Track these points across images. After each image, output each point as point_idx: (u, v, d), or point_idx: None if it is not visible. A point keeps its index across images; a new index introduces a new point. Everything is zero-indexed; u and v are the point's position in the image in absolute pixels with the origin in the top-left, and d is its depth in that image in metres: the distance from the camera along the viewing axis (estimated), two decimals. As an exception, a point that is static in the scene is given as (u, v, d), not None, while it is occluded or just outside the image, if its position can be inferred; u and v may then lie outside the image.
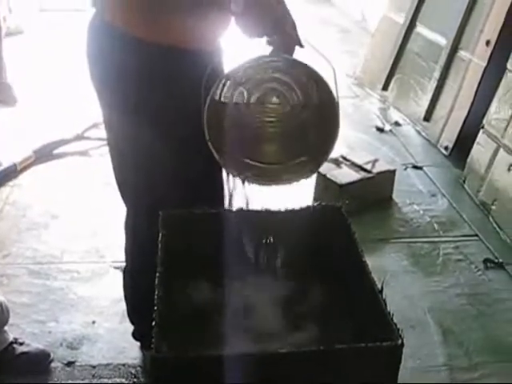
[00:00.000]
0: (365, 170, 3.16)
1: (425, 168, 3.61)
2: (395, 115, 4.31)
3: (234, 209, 1.56)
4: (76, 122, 3.78)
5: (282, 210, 1.55)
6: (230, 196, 1.60)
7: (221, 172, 1.72)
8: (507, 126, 3.13)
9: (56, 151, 3.59)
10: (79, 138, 3.71)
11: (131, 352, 2.20)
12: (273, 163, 1.50)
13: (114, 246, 2.64)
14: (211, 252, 1.47)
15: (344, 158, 3.21)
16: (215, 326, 1.36)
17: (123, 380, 2.11)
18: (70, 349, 2.22)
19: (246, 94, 1.44)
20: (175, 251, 1.41)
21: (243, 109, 1.45)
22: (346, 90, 4.49)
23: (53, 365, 2.14)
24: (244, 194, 1.53)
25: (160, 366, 1.14)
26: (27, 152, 3.45)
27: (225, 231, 1.48)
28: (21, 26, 5.59)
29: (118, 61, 1.59)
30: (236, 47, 1.61)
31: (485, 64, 3.56)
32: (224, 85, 1.40)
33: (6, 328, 2.07)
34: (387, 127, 4.14)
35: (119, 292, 2.11)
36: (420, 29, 4.36)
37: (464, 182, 3.42)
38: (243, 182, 1.47)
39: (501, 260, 2.78)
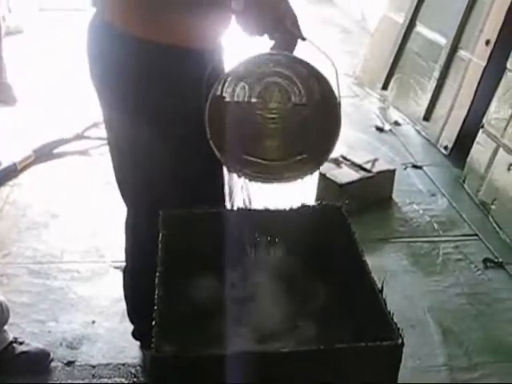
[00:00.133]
0: (364, 169, 3.16)
1: (424, 167, 3.61)
2: (395, 115, 4.31)
3: (235, 208, 1.56)
4: (76, 121, 3.78)
5: (282, 209, 1.55)
6: (231, 195, 1.60)
7: (221, 171, 1.72)
8: (507, 126, 3.13)
9: (56, 151, 3.59)
10: (79, 137, 3.71)
11: (131, 352, 2.20)
12: (274, 160, 1.49)
13: (114, 245, 2.64)
14: (211, 252, 1.47)
15: (344, 158, 3.21)
16: (215, 325, 1.36)
17: (123, 380, 2.11)
18: (70, 348, 2.22)
19: (247, 88, 1.43)
20: (175, 251, 1.41)
21: (245, 105, 1.45)
22: (345, 90, 4.49)
23: (53, 364, 2.14)
24: (246, 193, 1.53)
25: (160, 365, 1.14)
26: (27, 151, 3.45)
27: (225, 231, 1.48)
28: (20, 25, 5.58)
29: (118, 60, 1.59)
30: (237, 46, 1.61)
31: (484, 63, 3.56)
32: (225, 82, 1.39)
33: (5, 327, 2.07)
34: (387, 127, 4.14)
35: (119, 292, 2.11)
36: (420, 28, 4.36)
37: (464, 181, 3.42)
38: (244, 180, 1.47)
39: (500, 259, 2.79)
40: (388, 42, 4.60)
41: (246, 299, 1.44)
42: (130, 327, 2.14)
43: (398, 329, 1.17)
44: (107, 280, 2.58)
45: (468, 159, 3.41)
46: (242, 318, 1.39)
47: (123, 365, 2.16)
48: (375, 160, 3.25)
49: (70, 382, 2.09)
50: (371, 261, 1.39)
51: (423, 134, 4.01)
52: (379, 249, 2.87)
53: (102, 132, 1.94)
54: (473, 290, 2.61)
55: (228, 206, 1.82)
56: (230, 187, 1.83)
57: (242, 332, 1.35)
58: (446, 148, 3.73)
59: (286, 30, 1.37)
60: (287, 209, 1.56)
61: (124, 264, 2.05)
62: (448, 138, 3.75)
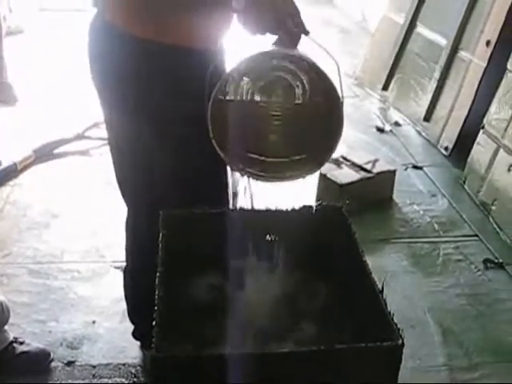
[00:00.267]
0: (365, 170, 3.16)
1: (425, 168, 3.61)
2: (395, 115, 4.31)
3: (235, 208, 1.56)
4: (76, 121, 3.78)
5: (283, 209, 1.55)
6: (234, 195, 1.60)
7: (224, 171, 1.72)
8: (507, 127, 3.13)
9: (56, 151, 3.59)
10: (79, 137, 3.71)
11: (131, 352, 2.20)
12: (276, 157, 1.49)
13: (115, 245, 2.64)
14: (212, 252, 1.47)
15: (344, 158, 3.21)
16: (215, 325, 1.36)
17: (123, 380, 2.11)
18: (70, 348, 2.22)
19: (250, 84, 1.43)
20: (176, 251, 1.41)
21: (248, 102, 1.45)
22: (346, 90, 4.41)
23: (53, 364, 2.14)
24: (248, 193, 1.53)
25: (160, 365, 1.14)
26: (27, 151, 3.45)
27: (225, 231, 1.48)
28: (21, 25, 5.59)
29: (118, 60, 1.59)
30: (238, 45, 1.60)
31: (485, 64, 3.56)
32: (227, 80, 1.39)
33: (6, 327, 2.07)
34: (387, 127, 4.14)
35: (119, 292, 2.12)
36: (420, 29, 4.36)
37: (464, 182, 3.42)
38: (248, 181, 1.47)
39: (501, 260, 2.79)
40: (388, 43, 4.60)
41: (246, 299, 1.44)
42: (131, 327, 2.14)
43: (398, 329, 1.17)
44: (107, 280, 2.58)
45: (468, 160, 3.41)
46: (242, 319, 1.39)
47: (123, 365, 2.16)
48: (375, 160, 3.25)
49: (70, 381, 2.09)
50: (371, 261, 1.39)
51: (424, 134, 4.01)
52: (379, 249, 2.87)
53: (103, 132, 1.94)
54: (473, 290, 2.61)
55: (231, 206, 1.82)
56: (233, 187, 1.83)
57: (242, 332, 1.35)
58: (446, 149, 3.73)
59: (288, 28, 1.37)
60: (288, 209, 1.56)
61: (124, 264, 2.05)
62: (448, 138, 3.75)
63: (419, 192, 3.37)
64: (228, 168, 1.68)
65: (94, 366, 2.15)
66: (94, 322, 2.35)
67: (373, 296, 1.27)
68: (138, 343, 2.17)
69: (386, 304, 1.23)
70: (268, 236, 1.55)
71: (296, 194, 1.97)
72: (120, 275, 2.11)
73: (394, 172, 3.26)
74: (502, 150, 3.15)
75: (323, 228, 1.54)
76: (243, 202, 1.60)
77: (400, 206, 3.22)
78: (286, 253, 1.52)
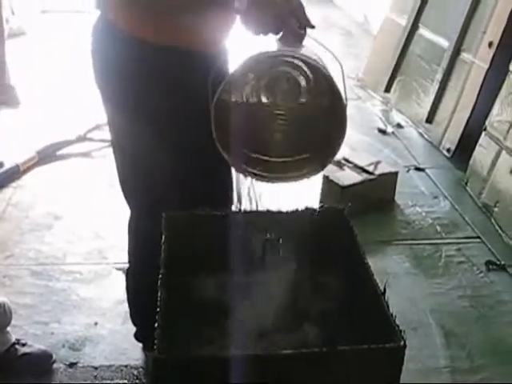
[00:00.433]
0: (367, 171, 3.16)
1: (427, 170, 3.61)
2: (397, 117, 4.31)
3: (237, 210, 1.56)
4: (79, 123, 3.79)
5: (285, 211, 1.55)
6: (239, 197, 1.60)
7: (226, 172, 1.72)
8: (509, 128, 3.13)
9: (59, 152, 3.60)
10: (82, 139, 3.72)
11: (133, 353, 2.20)
12: (279, 156, 1.49)
13: (117, 247, 2.65)
14: (213, 253, 1.47)
15: (346, 160, 3.21)
16: (217, 327, 1.36)
17: (125, 381, 2.11)
18: (73, 350, 2.22)
19: (254, 81, 1.42)
20: (178, 253, 1.41)
21: (252, 102, 1.44)
22: (348, 92, 4.43)
23: (55, 366, 2.14)
24: (253, 195, 1.53)
25: (162, 367, 1.14)
26: (30, 153, 3.46)
27: (227, 233, 1.48)
28: (23, 27, 5.60)
29: (119, 60, 1.60)
30: (241, 46, 1.60)
31: (487, 66, 3.56)
32: (231, 81, 1.38)
33: (8, 329, 2.08)
34: (389, 129, 4.15)
35: (122, 293, 2.12)
36: (422, 31, 4.36)
37: (466, 184, 3.41)
38: (251, 182, 1.47)
39: (503, 262, 2.78)
40: (390, 45, 4.60)
41: (248, 301, 1.44)
42: (133, 329, 2.14)
43: (400, 331, 1.17)
44: (110, 282, 2.58)
45: (470, 162, 3.41)
46: (244, 320, 1.39)
47: (125, 366, 2.16)
48: (378, 162, 3.25)
49: (72, 383, 2.09)
50: (373, 263, 1.39)
51: (426, 136, 4.01)
52: (381, 251, 2.87)
53: (105, 134, 1.95)
54: (475, 292, 2.61)
55: (235, 207, 1.81)
56: (237, 188, 1.82)
57: (243, 334, 1.35)
58: (448, 150, 3.73)
59: (291, 27, 1.36)
60: (290, 211, 1.55)
61: (127, 266, 2.05)
62: (450, 140, 3.75)
63: (421, 194, 3.37)
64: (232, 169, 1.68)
65: (96, 368, 2.15)
66: (96, 323, 2.35)
67: (375, 298, 1.27)
68: (140, 345, 2.17)
69: (388, 306, 1.23)
70: (270, 238, 1.55)
71: (299, 195, 1.97)
72: (122, 277, 2.11)
73: (396, 174, 3.26)
74: (504, 152, 3.15)
75: (325, 230, 1.54)
76: (247, 204, 1.59)
77: (402, 208, 3.22)
78: (288, 254, 1.52)
